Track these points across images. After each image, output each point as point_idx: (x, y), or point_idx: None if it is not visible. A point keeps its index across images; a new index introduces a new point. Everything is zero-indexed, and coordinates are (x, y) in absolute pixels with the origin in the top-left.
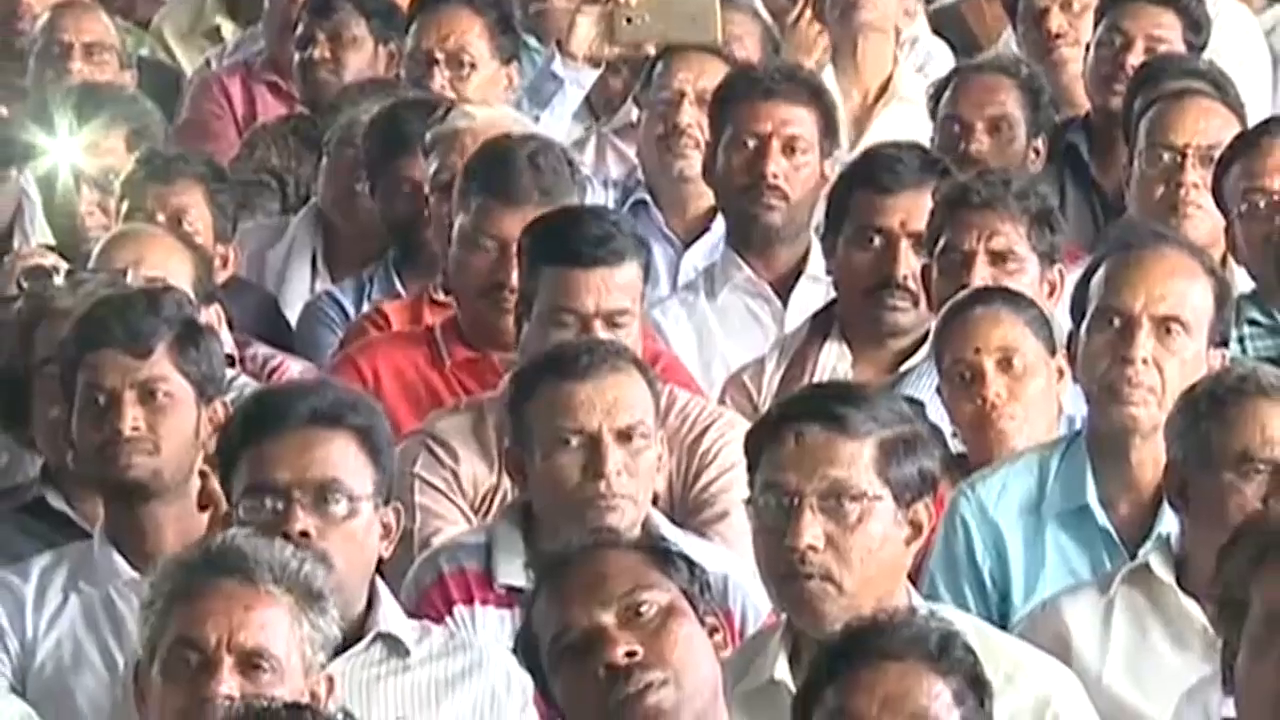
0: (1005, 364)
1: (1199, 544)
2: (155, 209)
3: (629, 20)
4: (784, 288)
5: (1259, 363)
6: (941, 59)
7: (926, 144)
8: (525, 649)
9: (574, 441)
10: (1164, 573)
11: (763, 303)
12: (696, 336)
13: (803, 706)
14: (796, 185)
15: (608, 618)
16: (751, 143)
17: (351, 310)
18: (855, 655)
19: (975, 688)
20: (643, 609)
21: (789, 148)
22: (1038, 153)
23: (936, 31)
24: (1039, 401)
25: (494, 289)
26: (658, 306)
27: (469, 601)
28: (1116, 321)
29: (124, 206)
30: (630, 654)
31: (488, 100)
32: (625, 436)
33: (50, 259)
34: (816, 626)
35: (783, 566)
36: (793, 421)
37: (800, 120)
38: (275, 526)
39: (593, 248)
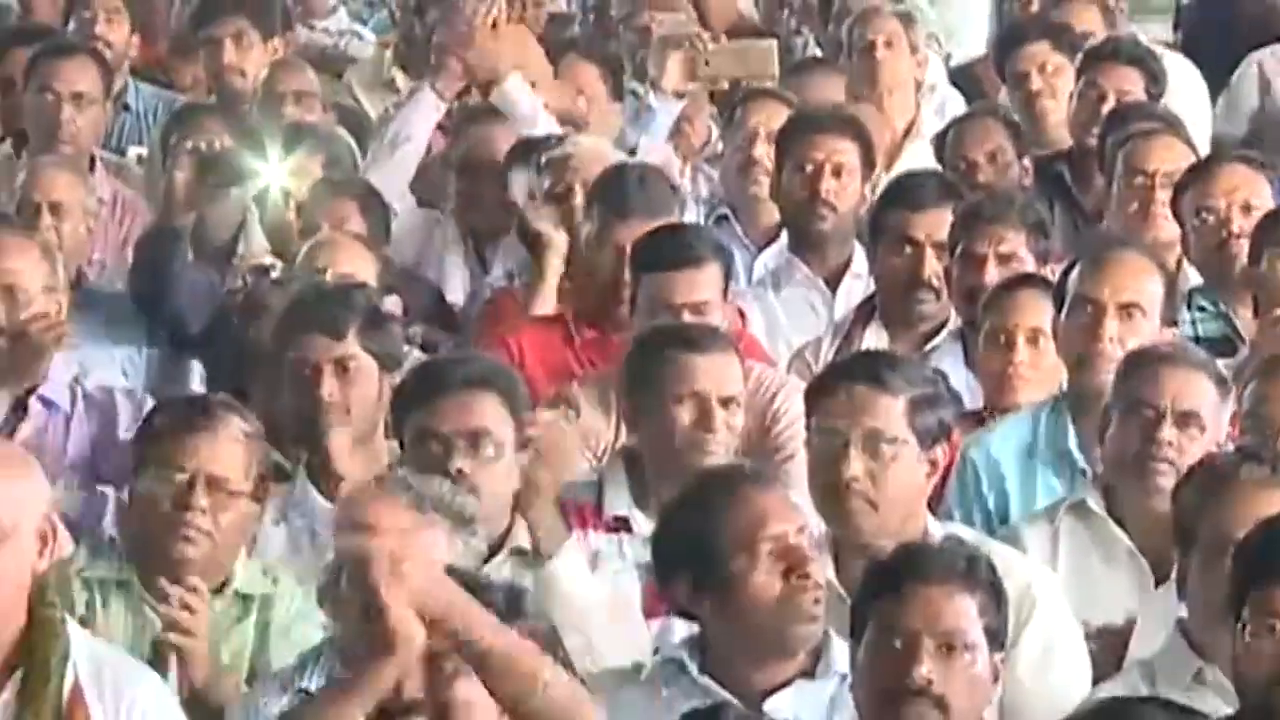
0: (1034, 340)
1: (1113, 474)
2: (322, 223)
3: (706, 62)
4: (834, 282)
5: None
6: (955, 104)
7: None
8: (689, 549)
9: (689, 402)
10: (1097, 507)
11: (817, 294)
12: (766, 321)
13: (858, 616)
14: (843, 201)
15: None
16: (808, 168)
17: None
18: (901, 577)
19: (995, 599)
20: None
21: (837, 172)
22: (1026, 170)
23: (956, 84)
24: (1050, 371)
25: (615, 285)
26: (736, 299)
27: (583, 526)
28: (1090, 308)
29: (299, 224)
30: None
31: (604, 126)
32: (726, 402)
33: (269, 260)
34: (856, 537)
35: (832, 492)
36: (843, 379)
37: (846, 150)
38: (438, 466)
39: (677, 255)
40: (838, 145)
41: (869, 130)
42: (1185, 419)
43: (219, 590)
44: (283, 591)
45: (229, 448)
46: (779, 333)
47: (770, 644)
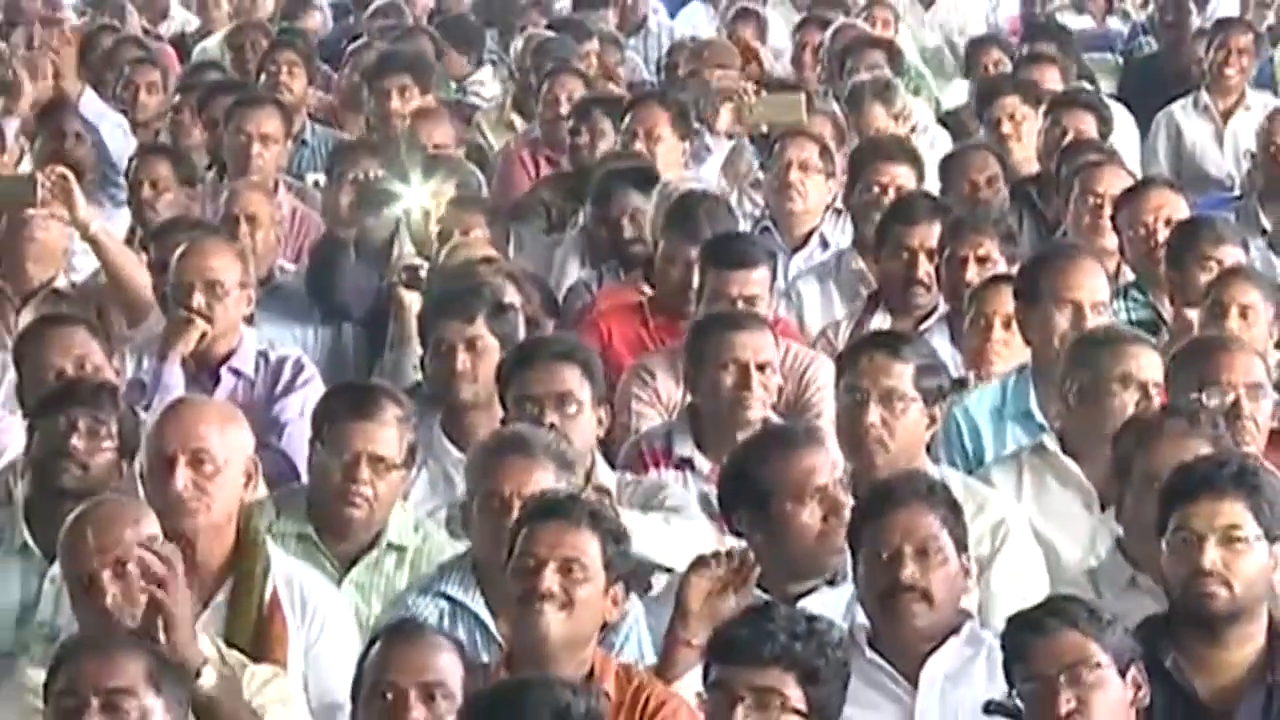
0: (1007, 324)
1: (1074, 424)
2: (457, 230)
3: (751, 110)
4: None
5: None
6: (942, 140)
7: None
8: (751, 491)
9: (731, 367)
10: (1054, 446)
11: (865, 285)
12: (822, 298)
13: (852, 539)
14: None
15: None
16: (875, 189)
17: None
18: (878, 504)
19: (954, 512)
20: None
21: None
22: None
23: (943, 123)
24: (1020, 347)
25: (683, 289)
26: (803, 278)
27: (657, 465)
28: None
29: (439, 231)
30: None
31: (671, 162)
32: (762, 368)
33: (417, 261)
34: (871, 472)
35: (855, 435)
36: (866, 349)
37: (905, 175)
38: (535, 421)
39: (737, 256)
40: (898, 170)
41: (920, 156)
42: (1147, 387)
43: (373, 542)
44: (432, 548)
45: (387, 431)
46: (830, 310)
47: (807, 567)
